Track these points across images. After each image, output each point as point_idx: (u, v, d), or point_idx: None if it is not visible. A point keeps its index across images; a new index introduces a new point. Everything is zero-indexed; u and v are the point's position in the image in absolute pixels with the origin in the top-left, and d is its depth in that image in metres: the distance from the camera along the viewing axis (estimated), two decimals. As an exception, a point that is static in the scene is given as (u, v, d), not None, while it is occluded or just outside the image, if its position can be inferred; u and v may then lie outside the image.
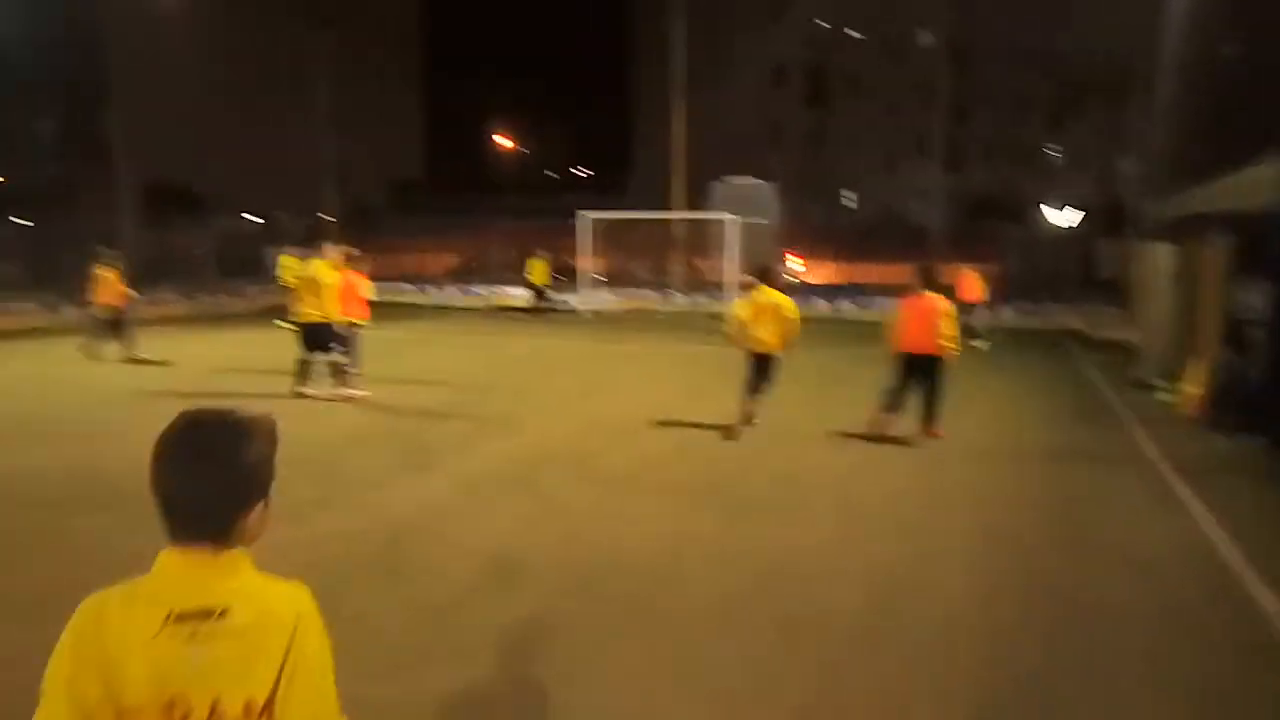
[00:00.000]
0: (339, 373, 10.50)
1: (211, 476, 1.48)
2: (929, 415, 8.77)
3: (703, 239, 25.07)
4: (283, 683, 1.44)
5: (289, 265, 18.15)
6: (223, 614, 1.43)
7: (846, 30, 49.86)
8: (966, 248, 25.99)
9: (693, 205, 27.05)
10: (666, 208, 25.92)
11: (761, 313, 8.92)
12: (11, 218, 35.02)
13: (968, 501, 6.89)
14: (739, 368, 9.32)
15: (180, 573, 1.47)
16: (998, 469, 7.89)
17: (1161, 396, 11.36)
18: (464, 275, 26.28)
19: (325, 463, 7.60)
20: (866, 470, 7.84)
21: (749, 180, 29.72)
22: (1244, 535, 6.00)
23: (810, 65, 47.29)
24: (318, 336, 10.37)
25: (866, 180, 48.99)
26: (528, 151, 71.10)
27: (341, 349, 10.49)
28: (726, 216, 22.24)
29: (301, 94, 39.14)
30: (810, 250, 34.08)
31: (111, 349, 12.86)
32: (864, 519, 6.41)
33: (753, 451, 8.39)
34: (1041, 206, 45.90)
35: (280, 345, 15.70)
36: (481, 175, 61.41)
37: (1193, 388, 10.23)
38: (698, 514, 6.41)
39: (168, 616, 1.42)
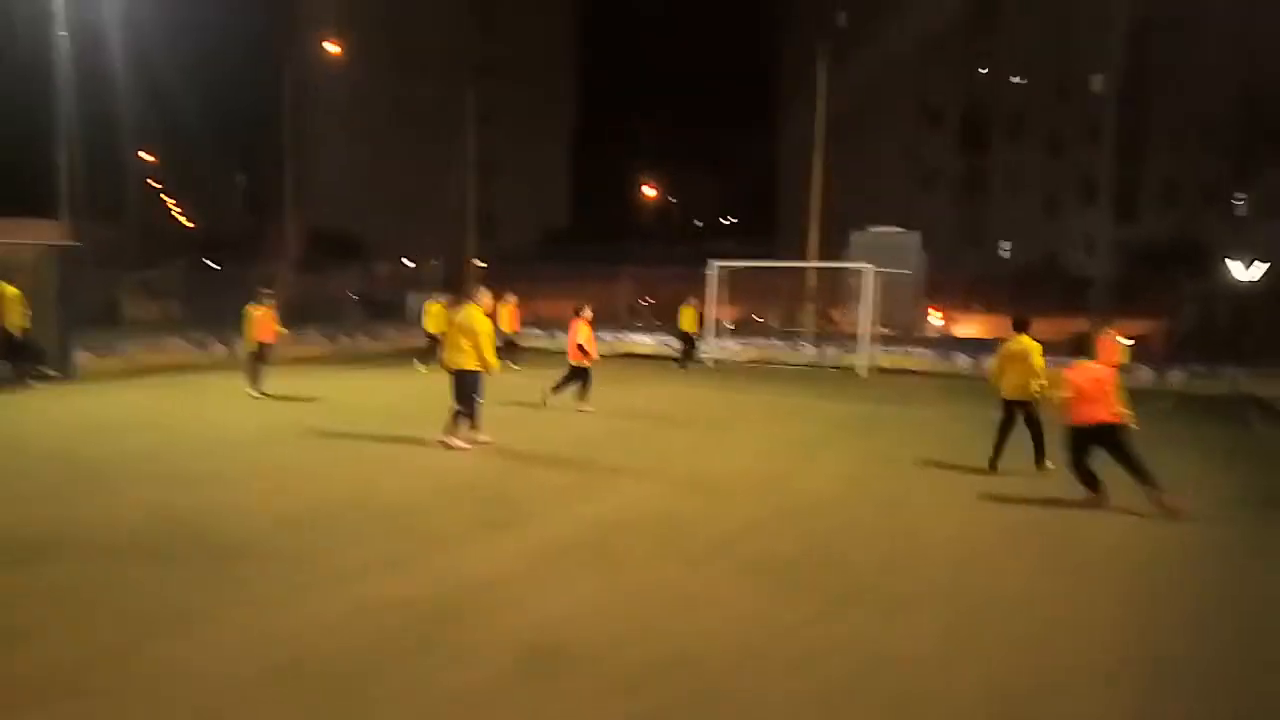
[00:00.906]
0: (459, 418, 10.25)
1: None
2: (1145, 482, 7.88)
3: (840, 289, 24.14)
4: None
5: (434, 312, 18.54)
6: None
7: (1007, 72, 47.80)
8: (1133, 301, 23.85)
9: (835, 254, 26.17)
10: (805, 257, 25.12)
11: (1011, 360, 9.23)
12: (205, 260, 37.78)
13: (1121, 612, 5.80)
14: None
15: None
16: (1157, 562, 6.72)
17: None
18: (591, 321, 26.14)
19: (416, 513, 7.37)
20: (997, 551, 6.84)
21: (891, 229, 28.56)
22: None
23: (968, 105, 45.30)
24: (469, 384, 10.13)
25: (1025, 227, 46.39)
26: (674, 200, 71.74)
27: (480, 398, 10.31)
28: (864, 266, 21.29)
29: (455, 144, 40.63)
30: (958, 302, 32.36)
31: (262, 383, 13.78)
32: (987, 621, 5.45)
33: (872, 520, 7.55)
34: (1226, 260, 42.16)
35: (406, 388, 16.08)
36: (626, 223, 62.22)
37: None
38: (787, 599, 5.66)
39: None
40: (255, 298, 14.01)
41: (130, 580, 5.77)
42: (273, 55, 36.52)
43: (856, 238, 28.27)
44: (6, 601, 5.35)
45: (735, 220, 73.98)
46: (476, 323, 10.03)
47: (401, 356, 21.53)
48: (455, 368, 10.11)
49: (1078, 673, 4.72)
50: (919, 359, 21.39)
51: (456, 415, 10.22)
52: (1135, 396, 12.53)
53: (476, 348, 9.98)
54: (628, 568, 6.29)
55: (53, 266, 16.21)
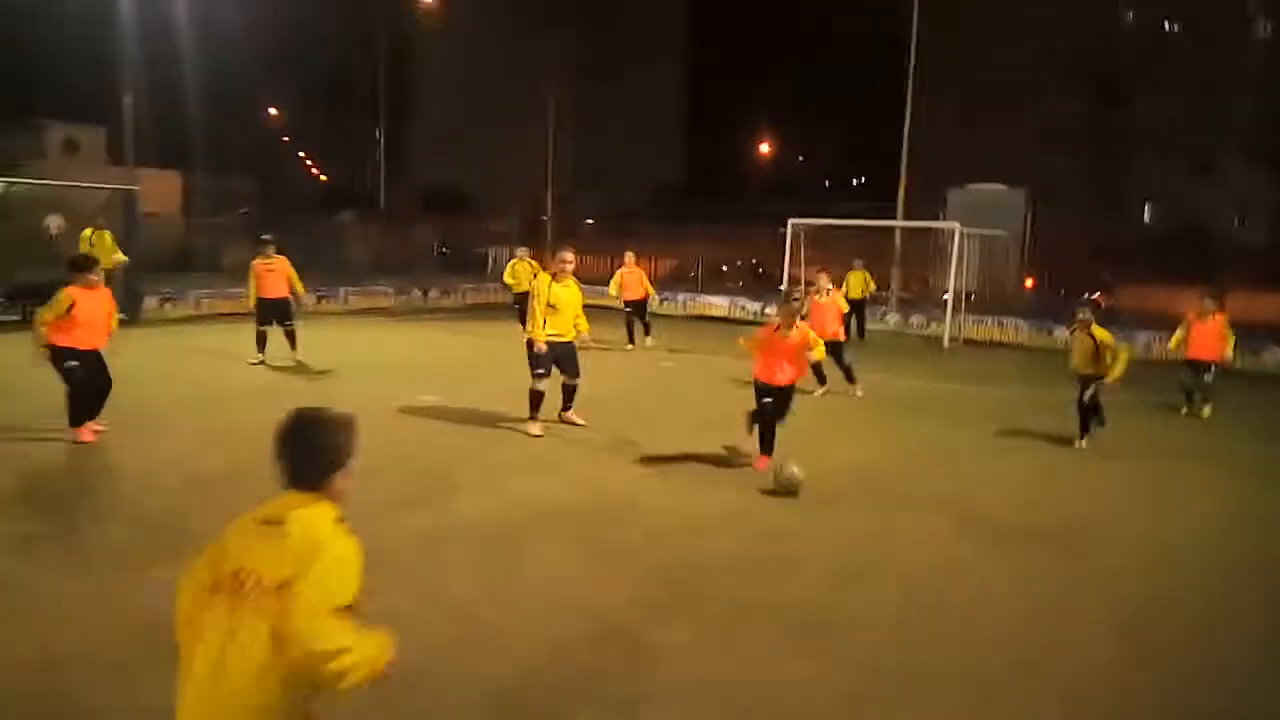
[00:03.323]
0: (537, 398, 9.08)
1: (297, 452, 2.36)
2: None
3: (938, 252, 22.38)
4: (300, 574, 2.16)
5: (519, 269, 16.73)
6: (281, 524, 2.26)
7: (1151, 15, 43.39)
8: None
9: (931, 215, 24.35)
10: (909, 216, 23.38)
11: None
12: (339, 213, 38.25)
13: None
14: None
15: (278, 501, 2.33)
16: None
17: None
18: (672, 282, 25.32)
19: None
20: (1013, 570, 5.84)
21: (992, 187, 26.29)
22: None
23: (1103, 53, 41.22)
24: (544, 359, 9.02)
25: (1168, 190, 42.26)
26: (802, 158, 69.30)
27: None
28: (951, 225, 19.58)
29: (568, 99, 40.13)
30: (1070, 269, 29.57)
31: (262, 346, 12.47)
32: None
33: (832, 526, 6.63)
34: None
35: (445, 347, 15.58)
36: (743, 180, 60.47)
37: None
38: (669, 622, 4.90)
39: (257, 519, 2.31)
40: (261, 250, 12.43)
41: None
42: (382, 6, 36.82)
43: (954, 195, 26.19)
44: None
45: (864, 180, 70.91)
46: (556, 294, 9.04)
47: (473, 311, 21.42)
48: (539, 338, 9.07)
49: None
50: (1011, 330, 19.60)
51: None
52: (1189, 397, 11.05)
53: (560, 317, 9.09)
54: (514, 565, 5.65)
55: (120, 212, 16.75)
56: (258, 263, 12.40)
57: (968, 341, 19.41)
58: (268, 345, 12.48)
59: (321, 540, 2.22)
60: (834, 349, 11.31)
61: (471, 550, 5.73)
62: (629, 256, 16.89)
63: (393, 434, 8.77)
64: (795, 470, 7.03)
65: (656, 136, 60.35)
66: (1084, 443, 9.08)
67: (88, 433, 7.94)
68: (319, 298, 20.68)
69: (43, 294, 15.81)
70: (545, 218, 34.43)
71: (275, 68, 47.61)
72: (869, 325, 19.10)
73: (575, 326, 9.29)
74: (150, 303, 17.26)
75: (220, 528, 2.36)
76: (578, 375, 9.37)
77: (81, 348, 7.83)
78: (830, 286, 12.41)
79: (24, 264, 17.00)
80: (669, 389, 12.43)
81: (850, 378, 12.03)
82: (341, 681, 2.15)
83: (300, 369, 12.32)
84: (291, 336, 12.48)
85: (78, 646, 4.21)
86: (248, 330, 12.77)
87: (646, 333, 16.24)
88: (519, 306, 15.43)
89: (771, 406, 7.79)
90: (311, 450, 2.35)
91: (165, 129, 34.32)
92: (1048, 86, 41.02)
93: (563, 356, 9.22)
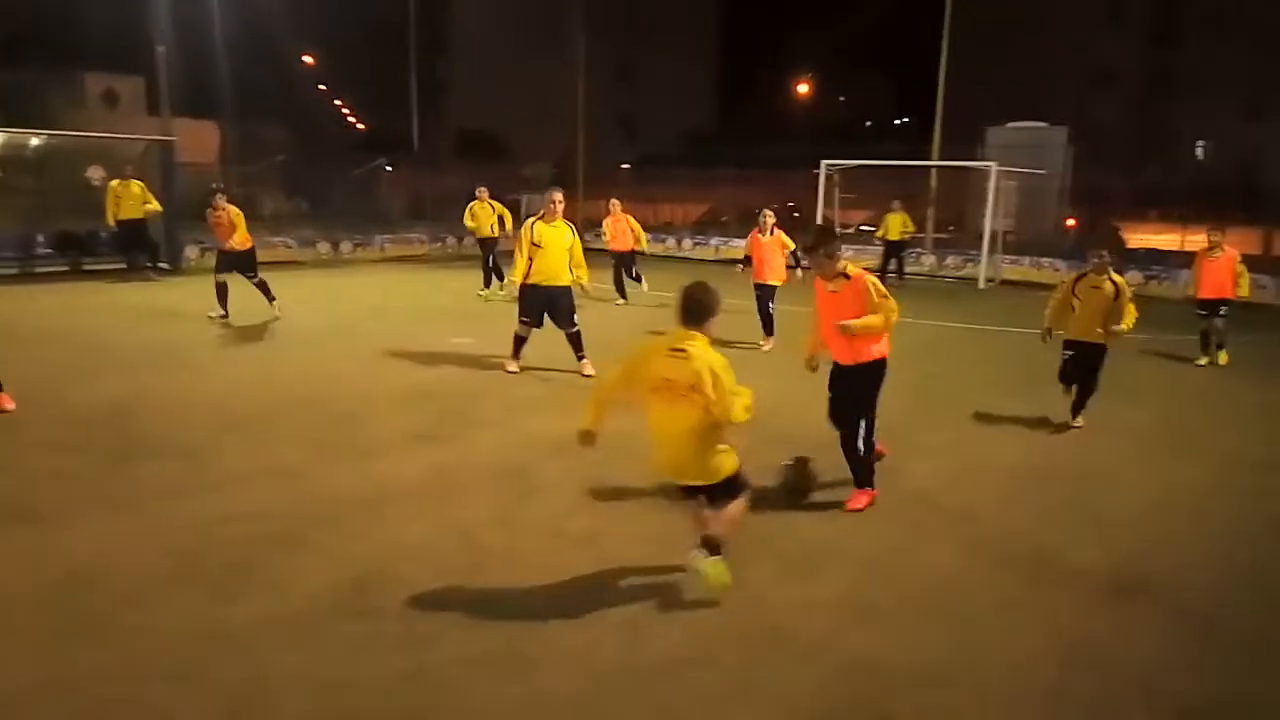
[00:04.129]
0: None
1: (691, 304, 4.16)
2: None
3: (975, 192, 21.99)
4: (703, 377, 3.98)
5: (481, 213, 15.25)
6: (684, 351, 4.06)
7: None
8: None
9: (970, 155, 23.86)
10: (947, 155, 22.94)
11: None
12: (381, 160, 38.08)
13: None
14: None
15: (677, 335, 4.12)
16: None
17: None
18: (704, 226, 25.30)
19: (360, 417, 7.19)
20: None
21: (1030, 124, 25.60)
22: None
23: None
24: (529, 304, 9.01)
25: (1218, 133, 40.77)
26: (843, 98, 67.78)
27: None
28: (988, 165, 19.22)
29: (597, 46, 39.55)
30: (1132, 212, 28.88)
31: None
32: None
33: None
34: None
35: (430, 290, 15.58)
36: (781, 124, 59.43)
37: None
38: (671, 556, 5.03)
39: (667, 348, 4.12)
40: (214, 198, 11.79)
41: (34, 466, 5.89)
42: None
43: (993, 134, 25.57)
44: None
45: (908, 120, 69.27)
46: (543, 236, 8.85)
47: (506, 257, 21.35)
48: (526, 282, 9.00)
49: None
50: (1050, 271, 19.27)
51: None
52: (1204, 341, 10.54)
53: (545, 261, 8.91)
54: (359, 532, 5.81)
55: (157, 162, 17.05)
56: (208, 213, 11.81)
57: (1005, 283, 19.17)
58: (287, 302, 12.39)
59: (708, 357, 4.04)
60: (769, 293, 10.69)
61: (485, 482, 5.90)
62: (614, 204, 15.53)
63: (423, 373, 9.03)
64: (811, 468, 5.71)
65: (691, 82, 59.41)
66: (1081, 420, 7.73)
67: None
68: (355, 245, 21.00)
69: (85, 244, 16.42)
70: (578, 163, 34.32)
71: (310, 14, 47.43)
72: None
73: (572, 272, 8.93)
74: (191, 251, 17.62)
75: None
76: (571, 325, 9.02)
77: None
78: (774, 223, 10.85)
79: (68, 214, 17.49)
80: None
81: (769, 329, 10.88)
82: (740, 419, 4.07)
83: (331, 315, 12.59)
84: (263, 287, 12.04)
85: (107, 570, 4.45)
86: (286, 276, 12.96)
87: (637, 279, 15.09)
88: (485, 255, 15.10)
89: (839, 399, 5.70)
90: (696, 306, 4.14)
91: (201, 79, 34.61)
92: (1095, 24, 39.60)
93: (551, 303, 8.89)
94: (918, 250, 21.10)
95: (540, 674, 3.66)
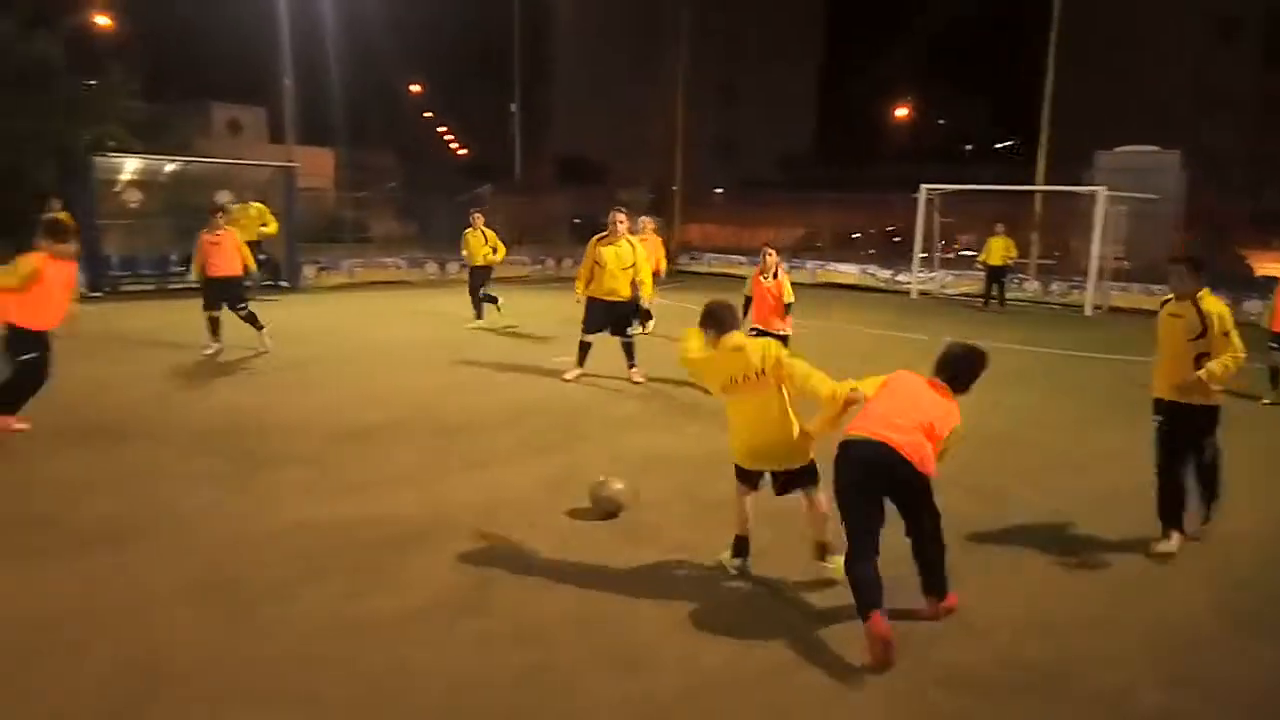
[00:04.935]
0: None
1: (724, 313, 4.77)
2: None
3: (1082, 218, 21.41)
4: (767, 364, 4.52)
5: (473, 241, 14.07)
6: (741, 348, 4.60)
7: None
8: None
9: (1077, 179, 23.25)
10: (1054, 180, 22.43)
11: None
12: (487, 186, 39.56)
13: None
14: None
15: (731, 338, 4.69)
16: None
17: None
18: (799, 250, 25.29)
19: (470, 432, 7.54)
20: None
21: (1142, 148, 24.76)
22: None
23: (1272, 16, 37.84)
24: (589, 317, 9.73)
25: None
26: (941, 122, 66.68)
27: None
28: (1097, 190, 18.71)
29: (697, 68, 40.03)
30: (1254, 239, 27.57)
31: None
32: None
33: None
34: None
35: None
36: (878, 147, 58.80)
37: None
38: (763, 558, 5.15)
39: (730, 348, 4.63)
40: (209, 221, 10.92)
41: (165, 464, 6.39)
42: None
43: (1101, 158, 24.83)
44: (79, 470, 6.25)
45: (1009, 144, 67.59)
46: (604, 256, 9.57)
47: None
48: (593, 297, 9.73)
49: None
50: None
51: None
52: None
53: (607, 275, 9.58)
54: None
55: (280, 187, 18.09)
56: (203, 235, 10.79)
57: (1113, 309, 18.61)
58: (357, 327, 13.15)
59: (759, 347, 4.62)
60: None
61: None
62: (645, 222, 14.35)
63: (525, 390, 9.40)
64: (618, 487, 5.72)
65: (788, 105, 59.41)
66: (1175, 542, 5.35)
67: (17, 423, 7.08)
68: (460, 266, 21.66)
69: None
70: (674, 188, 34.70)
71: (416, 45, 49.39)
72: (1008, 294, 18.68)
73: (632, 287, 9.55)
74: (309, 271, 18.59)
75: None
76: (625, 335, 9.70)
77: (36, 328, 6.98)
78: (778, 263, 9.60)
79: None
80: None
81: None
82: (817, 393, 4.43)
83: (435, 332, 13.11)
84: (251, 319, 10.96)
85: (245, 567, 4.83)
86: (399, 297, 13.49)
87: (645, 319, 11.68)
88: (473, 284, 14.03)
89: None
90: (729, 314, 4.77)
91: (317, 108, 36.50)
92: (1208, 45, 38.11)
93: (611, 316, 9.62)
94: (1020, 275, 20.66)
95: (651, 673, 3.85)
